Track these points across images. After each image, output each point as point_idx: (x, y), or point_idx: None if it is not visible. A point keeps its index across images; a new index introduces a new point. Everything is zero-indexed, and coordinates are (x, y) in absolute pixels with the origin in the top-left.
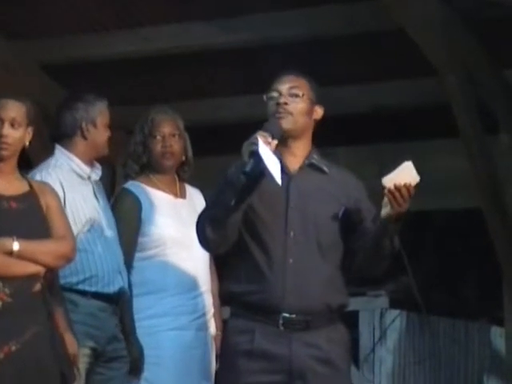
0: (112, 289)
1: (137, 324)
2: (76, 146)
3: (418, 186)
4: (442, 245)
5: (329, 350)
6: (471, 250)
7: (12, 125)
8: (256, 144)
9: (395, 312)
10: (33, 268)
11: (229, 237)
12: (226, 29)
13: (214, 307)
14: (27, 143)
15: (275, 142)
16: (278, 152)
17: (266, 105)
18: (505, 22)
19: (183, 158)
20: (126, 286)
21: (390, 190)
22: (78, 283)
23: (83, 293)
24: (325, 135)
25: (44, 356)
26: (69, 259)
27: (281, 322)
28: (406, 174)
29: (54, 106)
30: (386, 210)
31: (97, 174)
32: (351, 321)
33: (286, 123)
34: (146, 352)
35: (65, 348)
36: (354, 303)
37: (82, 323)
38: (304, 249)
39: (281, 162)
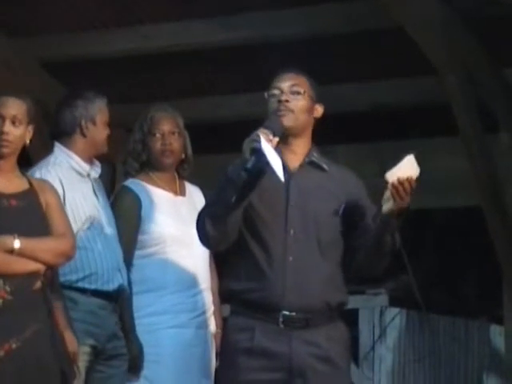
0: (111, 286)
1: (136, 322)
2: (75, 143)
3: (418, 184)
4: (442, 243)
5: (328, 348)
6: (471, 248)
7: (13, 122)
8: (258, 141)
9: (395, 310)
10: (33, 266)
11: (229, 234)
12: (225, 27)
13: (214, 305)
14: (27, 141)
15: (276, 139)
16: (279, 149)
17: (266, 103)
18: (505, 21)
19: (183, 156)
20: (126, 283)
21: (393, 185)
22: (77, 281)
23: (83, 290)
24: (324, 133)
25: (44, 354)
26: (69, 257)
27: (281, 319)
28: (408, 168)
29: (54, 104)
30: (387, 206)
31: (96, 171)
32: (351, 319)
33: (287, 121)
34: (146, 350)
35: (65, 346)
36: (354, 301)
37: (82, 321)
38: (304, 247)
39: (281, 159)
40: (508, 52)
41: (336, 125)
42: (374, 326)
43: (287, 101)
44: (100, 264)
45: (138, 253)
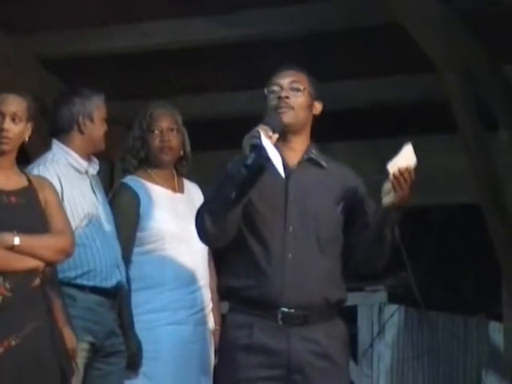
0: (110, 283)
1: (135, 319)
2: (73, 140)
3: (416, 181)
4: (441, 240)
5: (327, 345)
6: (470, 245)
7: (13, 119)
8: (258, 137)
9: (394, 307)
10: (32, 263)
11: (228, 231)
12: (225, 24)
13: (213, 302)
14: (27, 138)
15: (276, 135)
16: (278, 146)
17: (265, 99)
18: (504, 19)
19: (181, 153)
20: (124, 280)
21: (394, 175)
22: (76, 277)
23: (81, 287)
24: (323, 130)
25: (43, 351)
26: (68, 254)
27: (279, 316)
28: (406, 158)
29: (53, 101)
30: (388, 199)
31: (94, 168)
32: (350, 316)
33: (287, 117)
34: (145, 347)
35: (64, 343)
36: (353, 298)
37: (81, 318)
38: (303, 243)
39: (280, 156)
40: (507, 50)
41: (335, 122)
42: (372, 323)
43: (287, 97)
44: (98, 261)
45: (136, 250)
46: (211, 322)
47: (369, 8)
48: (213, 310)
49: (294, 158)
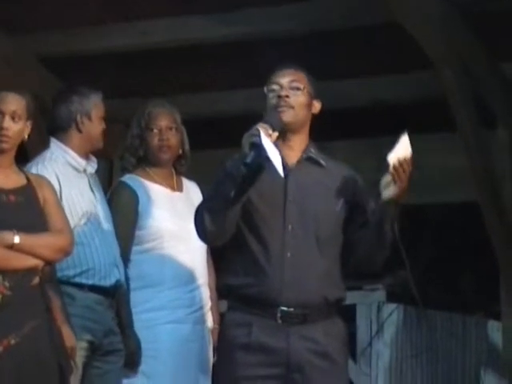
0: (108, 282)
1: (134, 317)
2: (71, 138)
3: (415, 180)
4: (440, 239)
5: (326, 344)
6: (468, 244)
7: (12, 118)
8: (257, 135)
9: (392, 306)
10: (32, 261)
11: (227, 229)
12: (224, 23)
13: (212, 300)
14: (26, 137)
15: (276, 134)
16: (277, 145)
17: (264, 98)
18: (502, 16)
19: (180, 152)
20: (123, 279)
21: (395, 167)
22: (74, 276)
23: (80, 286)
24: (323, 129)
25: (43, 349)
26: (67, 253)
27: (279, 315)
28: (404, 148)
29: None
30: (388, 192)
31: (92, 166)
32: (348, 314)
33: (287, 116)
34: (144, 345)
35: (62, 341)
36: (352, 297)
37: (80, 316)
38: (302, 243)
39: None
40: (506, 47)
41: (335, 121)
42: (371, 322)
43: (287, 96)
44: (97, 259)
45: (135, 248)
46: (210, 321)
47: (368, 7)
48: (211, 308)
49: (293, 157)
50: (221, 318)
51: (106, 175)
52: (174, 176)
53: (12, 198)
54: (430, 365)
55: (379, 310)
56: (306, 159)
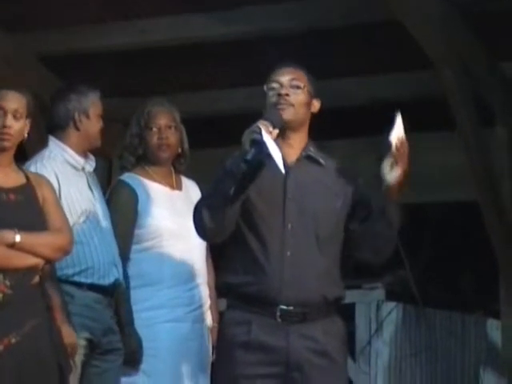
0: (107, 281)
1: (134, 316)
2: (69, 137)
3: (415, 178)
4: (439, 238)
5: (325, 343)
6: (468, 242)
7: (14, 116)
8: (258, 132)
9: (391, 304)
10: (33, 260)
11: (226, 226)
12: (224, 21)
13: (211, 299)
14: (25, 135)
15: (276, 131)
16: (278, 142)
17: (264, 97)
18: (502, 16)
19: (179, 150)
20: (121, 277)
21: (396, 147)
22: (73, 275)
23: (79, 285)
24: (322, 128)
25: (43, 348)
26: (66, 251)
27: (278, 314)
28: (399, 128)
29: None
30: (392, 175)
31: (91, 165)
32: (348, 313)
33: (287, 114)
34: (144, 344)
35: (62, 339)
36: (351, 296)
37: (78, 315)
38: (302, 241)
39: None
40: (505, 46)
41: (333, 119)
42: (370, 321)
43: (287, 95)
44: (96, 258)
45: (134, 247)
46: (209, 319)
47: (368, 5)
48: (211, 307)
49: (293, 155)
50: (220, 317)
51: (104, 174)
52: (173, 175)
53: (12, 196)
54: (429, 363)
55: (378, 308)
56: (306, 157)
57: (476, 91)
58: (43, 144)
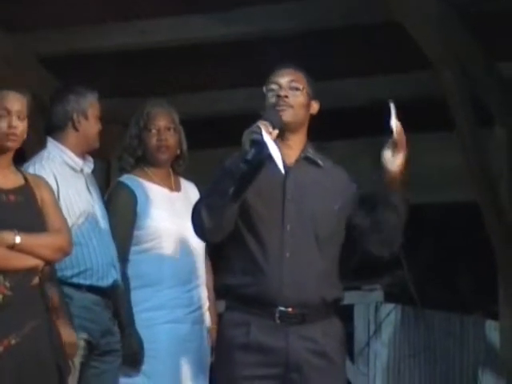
0: (106, 282)
1: (135, 316)
2: (68, 138)
3: (413, 179)
4: (438, 239)
5: (324, 344)
6: (467, 243)
7: (18, 117)
8: (258, 132)
9: (390, 306)
10: (33, 261)
11: (224, 226)
12: (224, 22)
13: (209, 300)
14: (25, 136)
15: (276, 131)
16: (277, 142)
17: (264, 98)
18: (499, 16)
19: (178, 152)
20: (120, 279)
21: (398, 132)
22: (72, 276)
23: (78, 286)
24: (321, 129)
25: (43, 350)
26: (66, 252)
27: (277, 315)
28: (395, 115)
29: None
30: (395, 162)
31: (89, 166)
32: (346, 314)
33: (287, 115)
34: (144, 345)
35: (61, 341)
36: (349, 297)
37: (77, 316)
38: (301, 242)
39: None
40: (503, 46)
41: (333, 120)
42: (369, 322)
43: (286, 96)
44: (95, 260)
45: (133, 248)
46: (208, 321)
47: (368, 6)
48: (209, 308)
49: (292, 157)
50: (219, 318)
51: (103, 176)
52: (171, 176)
53: (12, 197)
54: (427, 365)
55: (377, 310)
56: (304, 159)
57: (473, 91)
58: (41, 145)
